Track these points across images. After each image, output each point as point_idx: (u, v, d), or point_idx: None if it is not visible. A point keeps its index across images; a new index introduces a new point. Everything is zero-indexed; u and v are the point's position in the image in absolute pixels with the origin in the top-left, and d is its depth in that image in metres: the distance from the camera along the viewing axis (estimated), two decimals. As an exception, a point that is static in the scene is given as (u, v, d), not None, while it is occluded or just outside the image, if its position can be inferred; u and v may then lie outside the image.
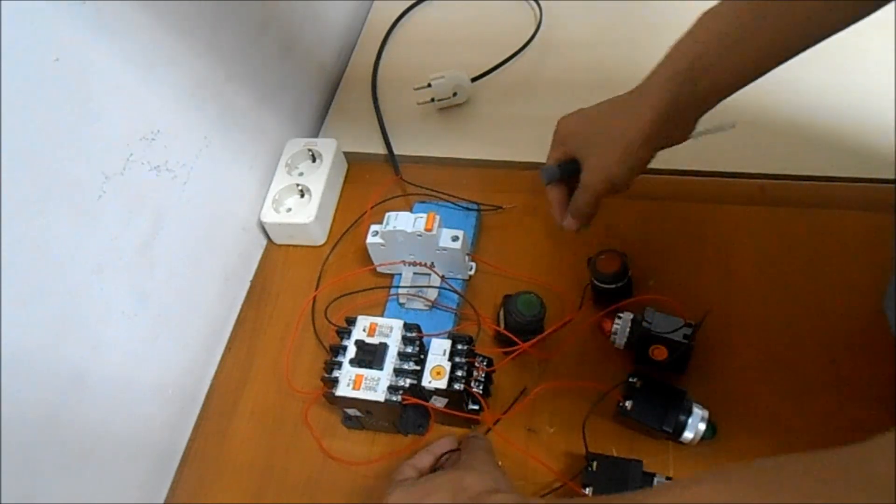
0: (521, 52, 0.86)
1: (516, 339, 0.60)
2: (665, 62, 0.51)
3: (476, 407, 0.58)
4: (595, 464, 0.55)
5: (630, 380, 0.57)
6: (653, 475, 0.53)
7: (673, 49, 0.51)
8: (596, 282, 0.62)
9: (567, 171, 0.60)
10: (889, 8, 0.43)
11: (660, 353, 0.56)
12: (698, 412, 0.55)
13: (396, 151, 0.80)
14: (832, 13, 0.45)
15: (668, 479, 0.53)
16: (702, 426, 0.54)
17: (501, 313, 0.62)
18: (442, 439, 0.57)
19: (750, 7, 0.47)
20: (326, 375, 0.56)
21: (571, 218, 0.60)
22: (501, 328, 0.61)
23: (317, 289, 0.72)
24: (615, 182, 0.55)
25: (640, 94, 0.53)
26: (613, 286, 0.61)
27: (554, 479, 0.57)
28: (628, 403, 0.56)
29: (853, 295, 0.62)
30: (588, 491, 0.53)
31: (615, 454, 0.56)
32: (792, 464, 0.33)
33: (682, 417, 0.54)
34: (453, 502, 0.47)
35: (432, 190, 0.75)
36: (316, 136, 0.85)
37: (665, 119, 0.51)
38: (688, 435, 0.54)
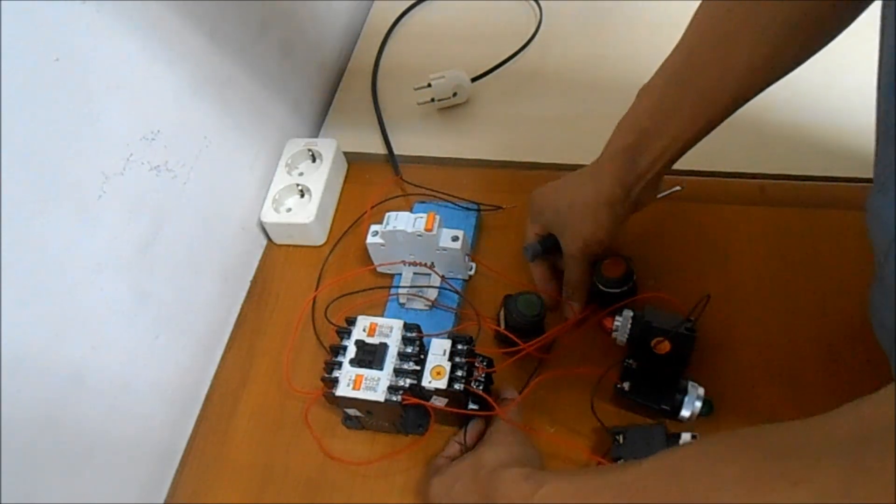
0: (521, 52, 0.86)
1: (517, 340, 0.60)
2: (613, 138, 0.56)
3: (476, 407, 0.58)
4: (621, 437, 0.56)
5: (626, 362, 0.58)
6: (678, 435, 0.54)
7: (618, 126, 0.56)
8: (600, 286, 0.62)
9: (548, 246, 0.63)
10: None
11: (663, 346, 0.56)
12: (694, 390, 0.56)
13: (396, 151, 0.80)
14: (746, 79, 0.50)
15: (693, 436, 0.53)
16: (698, 403, 0.55)
17: (502, 313, 0.62)
18: (468, 426, 0.59)
19: (675, 81, 0.52)
20: (326, 375, 0.56)
21: (571, 299, 0.63)
22: (502, 328, 0.61)
23: (317, 289, 0.72)
24: (591, 246, 0.59)
25: (599, 165, 0.57)
26: (617, 290, 0.62)
27: (587, 459, 0.57)
28: (626, 384, 0.57)
29: (852, 295, 0.62)
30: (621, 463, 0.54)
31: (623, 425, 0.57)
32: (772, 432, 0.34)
33: (679, 395, 0.55)
34: (475, 481, 0.50)
35: (432, 190, 0.75)
36: (316, 136, 0.85)
37: (626, 185, 0.56)
38: (685, 413, 0.55)
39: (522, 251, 0.65)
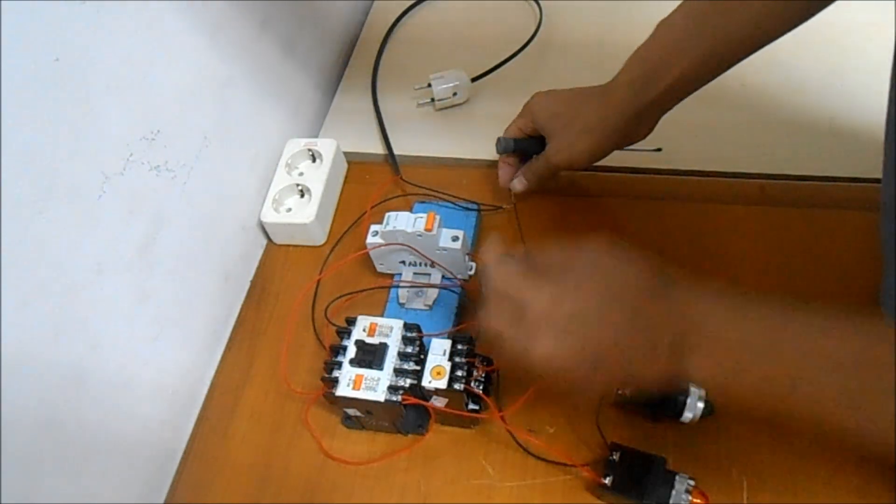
0: (521, 52, 0.86)
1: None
2: (625, 68, 0.58)
3: (476, 407, 0.58)
4: (618, 454, 0.55)
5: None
6: (675, 473, 0.53)
7: (632, 56, 0.58)
8: None
9: (521, 147, 0.65)
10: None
11: None
12: (696, 391, 0.55)
13: (396, 151, 0.80)
14: (770, 19, 0.50)
15: (690, 479, 0.53)
16: (700, 405, 0.55)
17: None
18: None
19: (696, 15, 0.53)
20: (326, 375, 0.56)
21: (523, 178, 0.67)
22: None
23: (317, 289, 0.72)
24: (575, 164, 0.63)
25: (606, 94, 0.60)
26: None
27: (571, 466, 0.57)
28: (626, 390, 0.56)
29: (853, 295, 0.62)
30: (608, 479, 0.54)
31: (625, 444, 0.56)
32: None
33: (681, 398, 0.55)
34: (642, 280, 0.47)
35: (432, 190, 0.75)
36: (316, 136, 0.85)
37: (630, 117, 0.58)
38: (688, 415, 0.55)
39: (495, 142, 0.67)
